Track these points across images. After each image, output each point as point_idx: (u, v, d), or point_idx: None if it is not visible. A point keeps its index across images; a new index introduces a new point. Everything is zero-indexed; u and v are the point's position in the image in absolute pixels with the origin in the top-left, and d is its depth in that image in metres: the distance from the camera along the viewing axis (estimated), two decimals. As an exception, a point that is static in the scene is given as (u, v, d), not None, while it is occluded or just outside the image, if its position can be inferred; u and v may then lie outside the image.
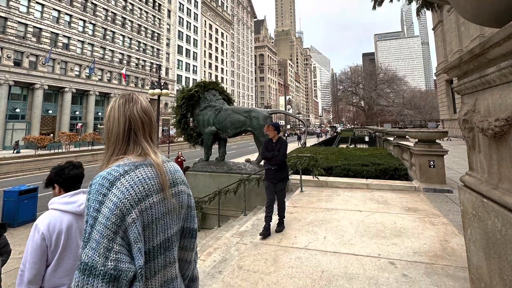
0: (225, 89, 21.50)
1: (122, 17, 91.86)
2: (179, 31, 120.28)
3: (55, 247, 3.47)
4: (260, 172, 16.39)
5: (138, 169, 2.23)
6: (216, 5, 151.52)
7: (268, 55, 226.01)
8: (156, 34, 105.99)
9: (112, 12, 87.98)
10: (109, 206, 2.00)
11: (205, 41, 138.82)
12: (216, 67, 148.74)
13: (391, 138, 27.44)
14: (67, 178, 4.02)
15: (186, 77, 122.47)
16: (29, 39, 65.39)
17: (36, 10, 67.29)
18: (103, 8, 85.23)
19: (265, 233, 9.44)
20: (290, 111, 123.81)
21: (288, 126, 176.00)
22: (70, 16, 75.29)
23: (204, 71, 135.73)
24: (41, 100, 67.72)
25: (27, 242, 3.46)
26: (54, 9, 71.27)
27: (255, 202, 16.23)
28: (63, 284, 3.51)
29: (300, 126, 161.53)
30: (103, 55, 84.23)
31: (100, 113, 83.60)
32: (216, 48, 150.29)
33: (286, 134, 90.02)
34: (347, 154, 23.91)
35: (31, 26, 66.01)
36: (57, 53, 70.55)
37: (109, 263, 1.92)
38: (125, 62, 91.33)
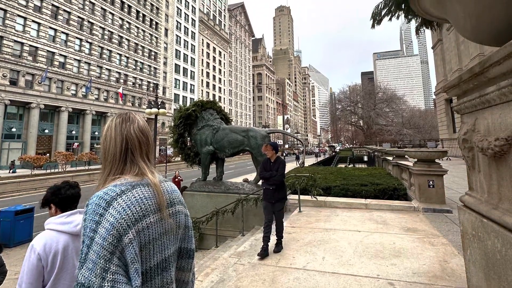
0: (223, 108, 21.56)
1: (119, 35, 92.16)
2: (176, 49, 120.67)
3: (52, 267, 3.46)
4: (258, 192, 16.38)
5: (135, 189, 2.23)
6: (213, 23, 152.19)
7: (266, 74, 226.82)
8: (153, 53, 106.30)
9: (108, 30, 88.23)
10: (106, 226, 2.00)
11: (202, 59, 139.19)
12: (214, 86, 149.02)
13: (390, 158, 27.45)
14: (64, 198, 4.02)
15: (183, 96, 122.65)
16: (25, 58, 65.46)
17: (32, 28, 67.40)
18: (100, 27, 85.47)
19: (263, 254, 9.41)
20: (288, 131, 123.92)
21: (286, 146, 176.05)
22: (67, 34, 75.48)
23: (202, 90, 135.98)
24: (37, 119, 67.61)
25: (23, 262, 3.45)
26: (50, 27, 71.49)
27: (253, 222, 16.20)
28: (59, 305, 3.49)
29: (299, 145, 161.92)
30: (99, 74, 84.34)
31: (96, 133, 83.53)
32: (214, 67, 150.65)
33: (284, 154, 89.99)
34: (346, 173, 23.91)
35: (27, 45, 66.15)
36: (53, 72, 70.57)
37: (105, 284, 1.91)
38: (122, 81, 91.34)
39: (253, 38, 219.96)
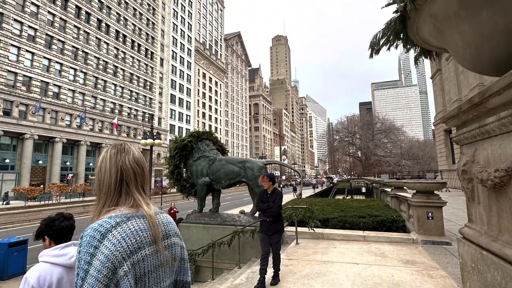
0: (219, 139, 21.62)
1: (114, 65, 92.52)
2: (172, 80, 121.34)
3: (46, 300, 3.45)
4: (254, 224, 16.33)
5: (130, 220, 2.23)
6: (209, 53, 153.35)
7: (263, 104, 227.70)
8: (148, 83, 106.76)
9: (103, 60, 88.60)
10: (100, 258, 2.00)
11: (198, 90, 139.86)
12: (210, 116, 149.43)
13: (389, 189, 27.45)
14: (58, 230, 4.02)
15: (179, 126, 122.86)
16: (19, 88, 65.57)
17: (26, 58, 67.62)
18: (94, 57, 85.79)
19: (260, 286, 9.37)
20: (285, 162, 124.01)
21: (284, 177, 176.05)
22: (61, 64, 75.77)
23: (198, 120, 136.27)
24: (31, 150, 67.57)
25: (17, 295, 3.46)
26: (44, 57, 71.68)
27: (250, 254, 16.12)
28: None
29: (296, 177, 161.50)
30: (94, 104, 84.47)
31: (91, 164, 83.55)
32: (210, 97, 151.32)
33: (281, 185, 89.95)
34: (344, 205, 23.89)
35: (21, 75, 66.26)
36: (47, 102, 70.68)
37: None
38: (117, 111, 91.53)
39: (250, 68, 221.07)
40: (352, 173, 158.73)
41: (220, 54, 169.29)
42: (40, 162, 71.72)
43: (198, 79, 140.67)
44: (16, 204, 52.64)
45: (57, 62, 74.70)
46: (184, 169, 20.20)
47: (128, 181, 2.39)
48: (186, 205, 50.09)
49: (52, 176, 72.46)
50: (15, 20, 65.93)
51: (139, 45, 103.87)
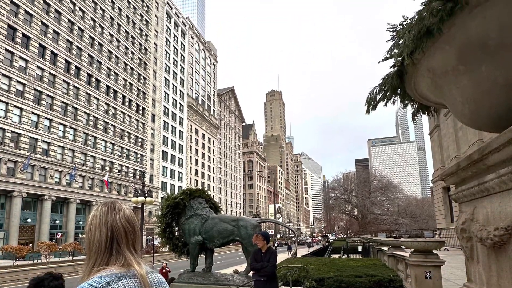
0: (212, 196, 21.63)
1: (105, 121, 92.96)
2: (163, 136, 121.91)
3: None
4: (248, 283, 16.21)
5: (121, 280, 2.23)
6: (202, 109, 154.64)
7: (257, 161, 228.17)
8: (140, 139, 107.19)
9: (94, 116, 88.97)
10: (91, 319, 1.99)
11: (191, 146, 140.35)
12: (203, 173, 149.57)
13: (386, 248, 27.37)
14: (47, 289, 4.00)
15: (171, 184, 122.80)
16: (7, 144, 65.60)
17: (14, 114, 67.72)
18: (85, 112, 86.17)
19: None
20: (280, 220, 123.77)
21: (278, 236, 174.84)
22: (50, 120, 75.97)
23: (190, 177, 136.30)
24: (19, 208, 67.11)
25: None
26: (33, 113, 71.82)
27: (244, 315, 15.97)
28: None
29: (291, 235, 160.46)
30: (84, 161, 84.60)
31: (81, 222, 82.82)
32: (203, 154, 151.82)
33: (275, 244, 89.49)
34: (340, 264, 23.79)
35: (9, 131, 66.31)
36: (36, 159, 70.66)
37: None
38: (107, 168, 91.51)
39: (244, 123, 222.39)
40: (348, 231, 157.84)
41: (213, 110, 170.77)
42: (29, 220, 71.20)
43: (191, 136, 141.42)
44: (4, 263, 52.09)
45: (46, 118, 74.93)
46: (176, 228, 20.12)
47: (119, 240, 2.39)
48: (178, 264, 49.65)
49: (41, 234, 71.68)
50: (3, 75, 66.38)
51: (130, 100, 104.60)
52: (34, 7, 73.28)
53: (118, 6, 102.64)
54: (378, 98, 5.14)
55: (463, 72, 3.69)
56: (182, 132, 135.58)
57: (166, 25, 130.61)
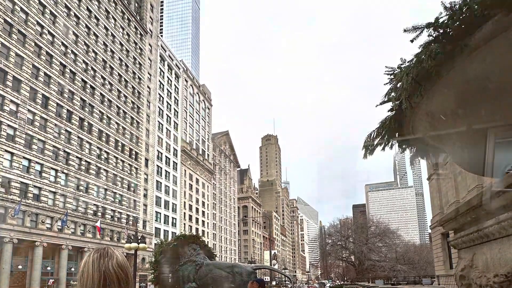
0: (206, 242, 21.75)
1: (97, 166, 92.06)
2: (157, 181, 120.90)
3: None
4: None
5: None
6: (196, 153, 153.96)
7: (252, 207, 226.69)
8: (133, 185, 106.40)
9: (86, 161, 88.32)
10: None
11: (184, 191, 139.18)
12: (197, 219, 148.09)
13: (384, 295, 27.40)
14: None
15: (164, 230, 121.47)
16: (-2, 189, 64.99)
17: (4, 158, 67.15)
18: (76, 157, 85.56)
19: None
20: (276, 266, 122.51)
21: (274, 283, 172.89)
22: (41, 165, 75.42)
23: (184, 223, 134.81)
24: (10, 254, 65.99)
25: None
26: (24, 157, 71.34)
27: None
28: None
29: (287, 282, 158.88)
30: (76, 206, 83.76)
31: (73, 269, 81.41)
32: (197, 199, 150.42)
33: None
34: (337, 313, 23.78)
35: (-1, 176, 65.97)
36: (27, 204, 69.93)
37: None
38: (100, 214, 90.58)
39: (239, 168, 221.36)
40: (345, 278, 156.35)
41: (208, 154, 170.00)
42: (20, 267, 69.97)
43: (185, 181, 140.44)
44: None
45: (37, 162, 74.42)
46: (170, 275, 20.14)
47: (112, 287, 2.40)
48: (171, 313, 49.23)
49: (32, 281, 70.43)
50: (-7, 119, 66.12)
51: (123, 145, 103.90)
52: (25, 50, 73.46)
53: (110, 49, 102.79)
54: (375, 142, 5.22)
55: (462, 116, 3.74)
56: (176, 177, 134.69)
57: (160, 68, 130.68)
